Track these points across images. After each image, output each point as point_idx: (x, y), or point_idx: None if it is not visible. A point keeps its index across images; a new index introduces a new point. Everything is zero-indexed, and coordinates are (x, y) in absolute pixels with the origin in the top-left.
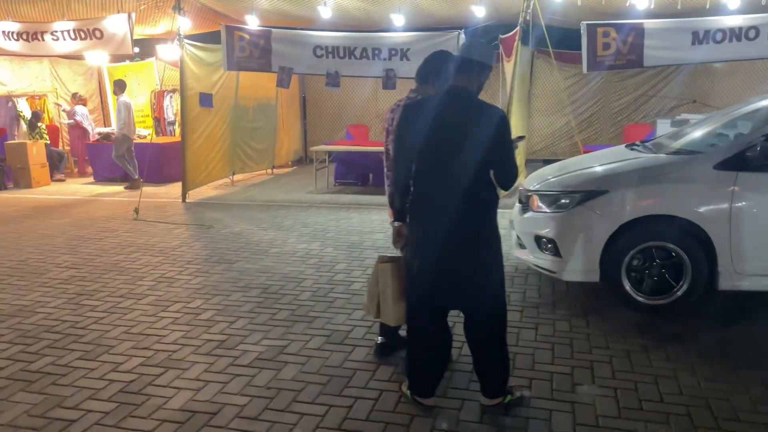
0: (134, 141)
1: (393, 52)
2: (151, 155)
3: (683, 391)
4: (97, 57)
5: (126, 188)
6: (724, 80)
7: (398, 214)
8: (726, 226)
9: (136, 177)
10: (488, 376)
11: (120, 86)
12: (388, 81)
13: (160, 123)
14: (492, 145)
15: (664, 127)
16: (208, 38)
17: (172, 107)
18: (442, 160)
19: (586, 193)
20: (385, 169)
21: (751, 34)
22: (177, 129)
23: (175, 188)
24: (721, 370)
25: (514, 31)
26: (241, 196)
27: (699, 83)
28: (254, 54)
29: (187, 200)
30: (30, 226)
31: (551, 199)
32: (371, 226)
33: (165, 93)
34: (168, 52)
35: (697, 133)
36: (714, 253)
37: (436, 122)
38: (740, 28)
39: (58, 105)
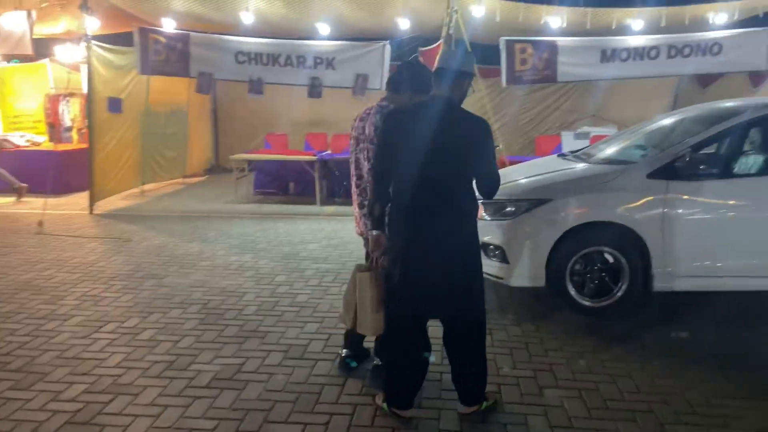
0: (17, 148)
1: (318, 60)
2: (50, 164)
3: (640, 389)
4: None
5: (18, 200)
6: (619, 96)
7: (377, 223)
8: (659, 231)
9: (17, 184)
10: (468, 384)
11: None
12: (314, 90)
13: (54, 129)
14: (476, 154)
15: (568, 138)
16: (115, 39)
17: (68, 112)
18: (425, 168)
19: (533, 202)
20: (354, 179)
21: (653, 53)
22: (75, 135)
23: (79, 199)
24: (667, 367)
25: (437, 43)
26: (154, 206)
27: (597, 98)
28: (171, 58)
29: (95, 212)
30: None
31: (496, 207)
32: (302, 236)
33: (61, 97)
34: (67, 53)
35: (620, 145)
36: (649, 257)
37: (419, 131)
38: (643, 48)
39: None
